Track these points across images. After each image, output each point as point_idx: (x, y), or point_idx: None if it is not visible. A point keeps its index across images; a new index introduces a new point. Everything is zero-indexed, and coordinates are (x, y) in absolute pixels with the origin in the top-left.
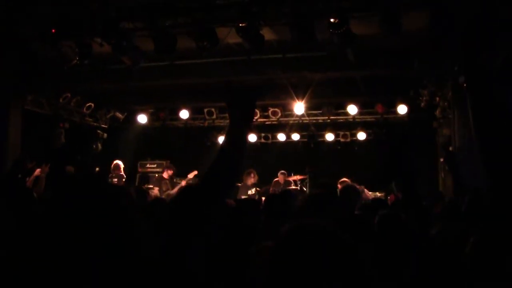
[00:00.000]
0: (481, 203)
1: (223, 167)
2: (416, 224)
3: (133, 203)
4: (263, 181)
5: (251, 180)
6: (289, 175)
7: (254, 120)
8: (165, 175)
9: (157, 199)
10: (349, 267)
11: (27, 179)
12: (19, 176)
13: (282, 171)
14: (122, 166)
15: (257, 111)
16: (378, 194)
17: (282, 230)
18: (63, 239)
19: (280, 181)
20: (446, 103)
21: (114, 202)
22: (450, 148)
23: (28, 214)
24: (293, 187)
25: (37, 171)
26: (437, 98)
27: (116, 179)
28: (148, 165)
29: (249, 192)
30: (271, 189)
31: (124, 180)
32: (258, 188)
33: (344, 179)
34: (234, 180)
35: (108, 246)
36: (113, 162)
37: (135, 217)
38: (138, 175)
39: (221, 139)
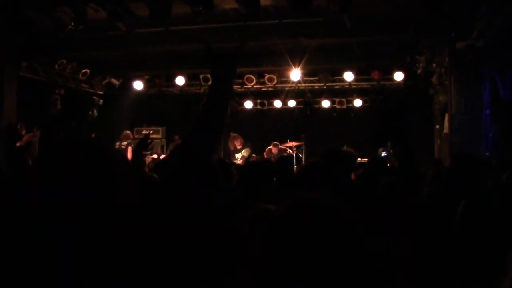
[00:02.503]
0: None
1: (205, 128)
2: (411, 188)
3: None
4: (259, 147)
5: (234, 144)
6: (285, 142)
7: (250, 86)
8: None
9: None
10: (350, 246)
11: (18, 144)
12: (15, 143)
13: (275, 142)
14: (131, 135)
15: (253, 77)
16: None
17: (281, 206)
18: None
19: (273, 150)
20: (442, 70)
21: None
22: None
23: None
24: (290, 153)
25: (28, 136)
26: (434, 65)
27: (125, 143)
28: (144, 132)
29: (237, 156)
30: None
31: (132, 146)
32: (254, 155)
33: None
34: (214, 143)
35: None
36: (122, 132)
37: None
38: (134, 142)
39: None
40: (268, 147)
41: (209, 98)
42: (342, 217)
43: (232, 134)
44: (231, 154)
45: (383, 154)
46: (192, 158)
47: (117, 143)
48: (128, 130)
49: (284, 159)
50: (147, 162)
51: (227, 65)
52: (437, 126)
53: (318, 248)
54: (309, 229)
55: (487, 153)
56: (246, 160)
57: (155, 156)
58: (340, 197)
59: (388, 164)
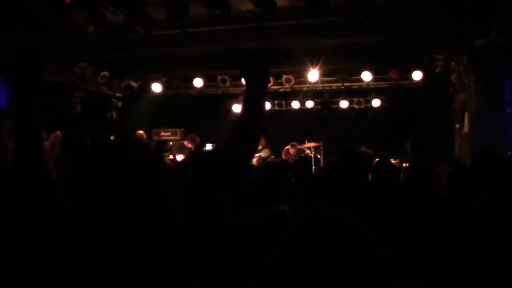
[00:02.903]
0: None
1: (243, 134)
2: (426, 188)
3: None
4: (277, 149)
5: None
6: (303, 143)
7: (268, 87)
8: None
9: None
10: (363, 260)
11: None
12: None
13: (293, 142)
14: (144, 136)
15: (271, 78)
16: (392, 161)
17: (294, 222)
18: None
19: (290, 151)
20: (461, 68)
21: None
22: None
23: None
24: (308, 153)
25: (53, 135)
26: (453, 63)
27: None
28: (162, 133)
29: (262, 156)
30: (282, 155)
31: None
32: (273, 156)
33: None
34: (255, 147)
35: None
36: (133, 131)
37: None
38: (152, 143)
39: (235, 106)
40: (286, 147)
41: (245, 105)
42: (355, 231)
43: None
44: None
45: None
46: (233, 162)
47: None
48: (145, 131)
49: (302, 160)
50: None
51: (259, 71)
52: (457, 125)
53: (333, 261)
54: (324, 244)
55: (508, 152)
56: (263, 160)
57: (171, 156)
58: (355, 199)
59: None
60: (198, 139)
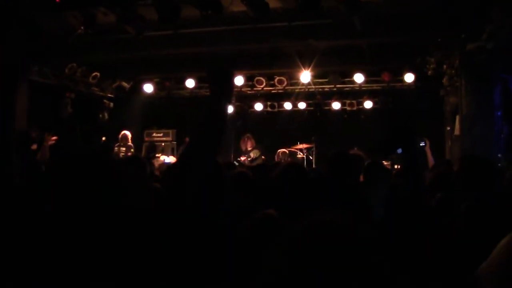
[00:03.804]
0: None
1: (202, 140)
2: (414, 193)
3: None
4: (269, 150)
5: (246, 145)
6: (295, 144)
7: (260, 88)
8: None
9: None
10: (367, 265)
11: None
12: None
13: (283, 150)
14: (130, 136)
15: (263, 79)
16: (384, 163)
17: (296, 228)
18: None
19: (281, 154)
20: (453, 71)
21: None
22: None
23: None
24: (300, 156)
25: (50, 140)
26: (444, 66)
27: (124, 149)
28: (154, 134)
29: (251, 156)
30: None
31: (132, 150)
32: (264, 157)
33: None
34: (213, 152)
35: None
36: (121, 132)
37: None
38: (144, 144)
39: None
40: (278, 151)
41: (206, 113)
42: (360, 237)
43: (246, 135)
44: (242, 154)
45: (422, 144)
46: (194, 166)
47: (116, 146)
48: (137, 133)
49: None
50: (156, 164)
51: (222, 80)
52: (448, 128)
53: (336, 267)
54: (328, 249)
55: (499, 155)
56: (252, 161)
57: (162, 158)
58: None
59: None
60: None
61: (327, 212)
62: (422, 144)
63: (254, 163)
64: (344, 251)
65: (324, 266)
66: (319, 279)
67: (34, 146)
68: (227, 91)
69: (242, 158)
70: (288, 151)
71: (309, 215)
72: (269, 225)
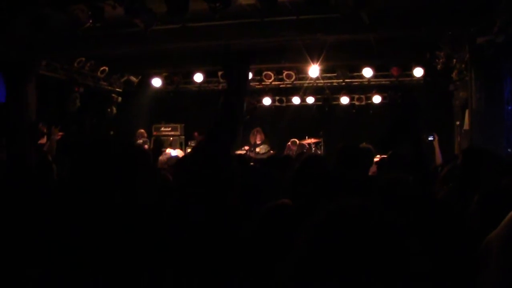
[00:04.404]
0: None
1: (220, 131)
2: (421, 186)
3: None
4: (278, 144)
5: (255, 138)
6: (304, 138)
7: (269, 82)
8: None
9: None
10: (397, 250)
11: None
12: (36, 141)
13: (293, 139)
14: (145, 134)
15: (272, 74)
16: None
17: (323, 211)
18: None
19: (291, 147)
20: (462, 65)
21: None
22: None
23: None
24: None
25: (57, 134)
26: (454, 60)
27: (141, 141)
28: (162, 129)
29: (257, 150)
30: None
31: (148, 143)
32: (272, 151)
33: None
34: (230, 143)
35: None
36: (132, 128)
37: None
38: (152, 139)
39: None
40: (288, 144)
41: (222, 107)
42: (388, 221)
43: (256, 129)
44: (251, 147)
45: (430, 138)
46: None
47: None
48: (145, 127)
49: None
50: (162, 158)
51: (238, 75)
52: (457, 123)
53: (364, 251)
54: (356, 233)
55: (508, 149)
56: (260, 155)
57: (169, 151)
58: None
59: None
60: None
61: (349, 199)
62: (430, 138)
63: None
64: (376, 235)
65: (351, 250)
66: (346, 264)
67: (44, 140)
68: (243, 86)
69: (246, 148)
70: (298, 144)
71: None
72: (284, 214)
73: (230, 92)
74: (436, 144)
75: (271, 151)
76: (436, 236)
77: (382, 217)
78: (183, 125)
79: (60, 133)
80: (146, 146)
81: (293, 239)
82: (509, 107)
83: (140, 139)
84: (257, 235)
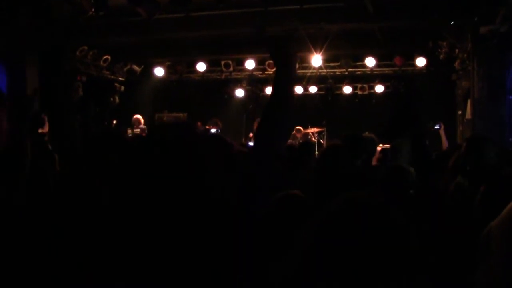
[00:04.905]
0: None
1: (273, 120)
2: (424, 176)
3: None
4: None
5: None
6: (307, 128)
7: (272, 72)
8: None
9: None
10: (400, 244)
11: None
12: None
13: (297, 127)
14: (142, 120)
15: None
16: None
17: (332, 204)
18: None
19: (297, 135)
20: (465, 55)
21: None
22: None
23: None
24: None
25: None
26: (456, 50)
27: (138, 130)
28: (165, 118)
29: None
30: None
31: (146, 132)
32: None
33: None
34: (286, 132)
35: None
36: (132, 116)
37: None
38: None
39: (238, 91)
40: (292, 132)
41: (272, 88)
42: (393, 216)
43: (260, 118)
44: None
45: (436, 127)
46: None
47: (129, 130)
48: (148, 116)
49: (306, 145)
50: None
51: (286, 61)
52: (460, 112)
53: (369, 244)
54: (362, 227)
55: (510, 139)
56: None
57: None
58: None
59: None
60: (220, 123)
61: (360, 192)
62: (436, 127)
63: None
64: (383, 230)
65: (360, 244)
66: (350, 259)
67: (45, 129)
68: (292, 72)
69: (251, 135)
70: (302, 133)
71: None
72: (294, 204)
73: (279, 79)
74: (442, 132)
75: None
76: (438, 227)
77: (387, 214)
78: (186, 114)
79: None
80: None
81: (300, 231)
82: (511, 97)
83: (136, 127)
84: (265, 225)
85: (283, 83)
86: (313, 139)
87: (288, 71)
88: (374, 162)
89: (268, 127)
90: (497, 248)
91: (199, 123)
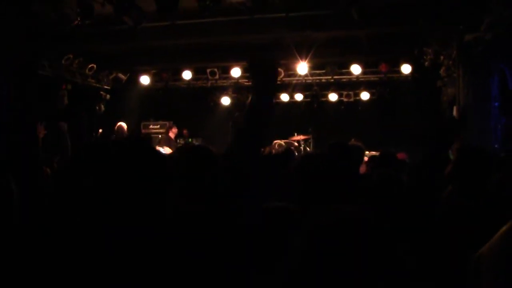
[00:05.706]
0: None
1: (245, 135)
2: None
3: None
4: (266, 141)
5: None
6: (292, 135)
7: (275, 83)
8: (171, 135)
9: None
10: (382, 253)
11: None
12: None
13: (279, 142)
14: (125, 127)
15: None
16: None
17: (318, 220)
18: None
19: (277, 147)
20: (450, 62)
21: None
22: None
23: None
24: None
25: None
26: (442, 57)
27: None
28: (151, 126)
29: None
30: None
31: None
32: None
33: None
34: (260, 142)
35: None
36: (116, 124)
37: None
38: (141, 136)
39: (224, 99)
40: (274, 142)
41: (250, 108)
42: (374, 227)
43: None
44: None
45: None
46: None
47: (114, 137)
48: (134, 124)
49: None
50: None
51: (267, 74)
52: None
53: (353, 254)
54: (346, 239)
55: (495, 146)
56: None
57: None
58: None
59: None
60: (175, 129)
61: (346, 205)
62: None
63: None
64: (367, 244)
65: (343, 258)
66: (342, 271)
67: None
68: (272, 84)
69: None
70: (284, 142)
71: (329, 208)
72: (283, 217)
73: (257, 91)
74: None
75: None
76: (427, 237)
77: (373, 227)
78: (172, 122)
79: (44, 131)
80: None
81: (289, 243)
82: (496, 104)
83: (120, 135)
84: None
85: (259, 96)
86: (299, 147)
87: (266, 82)
88: (362, 170)
89: (241, 136)
90: (487, 279)
91: (185, 131)
